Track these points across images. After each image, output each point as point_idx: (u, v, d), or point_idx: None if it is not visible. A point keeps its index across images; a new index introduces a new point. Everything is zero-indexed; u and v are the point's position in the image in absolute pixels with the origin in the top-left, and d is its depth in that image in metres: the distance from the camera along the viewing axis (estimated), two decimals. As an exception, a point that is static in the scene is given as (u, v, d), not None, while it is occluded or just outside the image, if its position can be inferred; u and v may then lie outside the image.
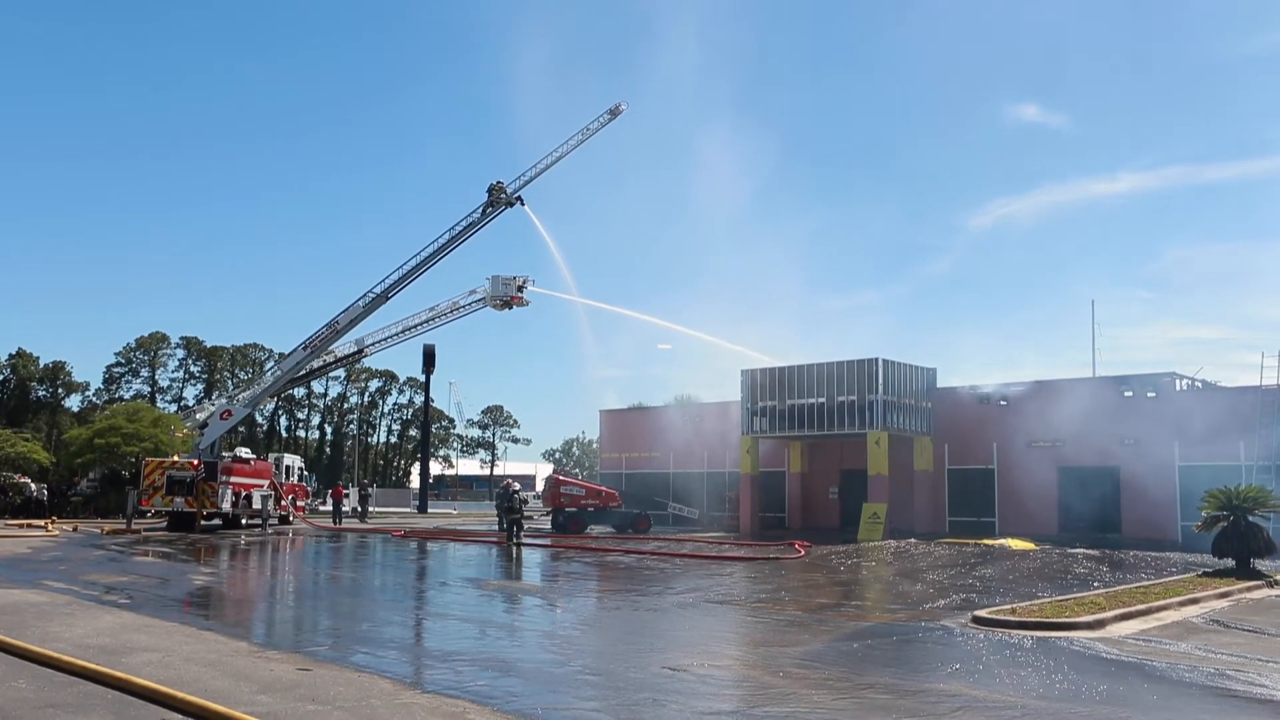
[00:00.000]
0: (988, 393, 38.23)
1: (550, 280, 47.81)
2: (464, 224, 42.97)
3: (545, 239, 46.45)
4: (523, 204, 43.51)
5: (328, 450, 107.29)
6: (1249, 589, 19.07)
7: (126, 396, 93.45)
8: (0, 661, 10.10)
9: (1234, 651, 12.17)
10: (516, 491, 31.66)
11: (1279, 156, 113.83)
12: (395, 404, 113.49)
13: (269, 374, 50.53)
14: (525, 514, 34.65)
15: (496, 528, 37.32)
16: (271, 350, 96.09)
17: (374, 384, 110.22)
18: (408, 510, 61.48)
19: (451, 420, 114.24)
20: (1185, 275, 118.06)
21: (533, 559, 27.50)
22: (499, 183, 42.86)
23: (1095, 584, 19.50)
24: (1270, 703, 9.46)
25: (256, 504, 37.44)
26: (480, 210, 42.96)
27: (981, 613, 14.46)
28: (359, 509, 47.62)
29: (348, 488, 51.43)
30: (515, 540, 29.78)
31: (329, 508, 46.96)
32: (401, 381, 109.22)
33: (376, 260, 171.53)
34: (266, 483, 38.89)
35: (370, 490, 51.18)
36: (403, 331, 44.79)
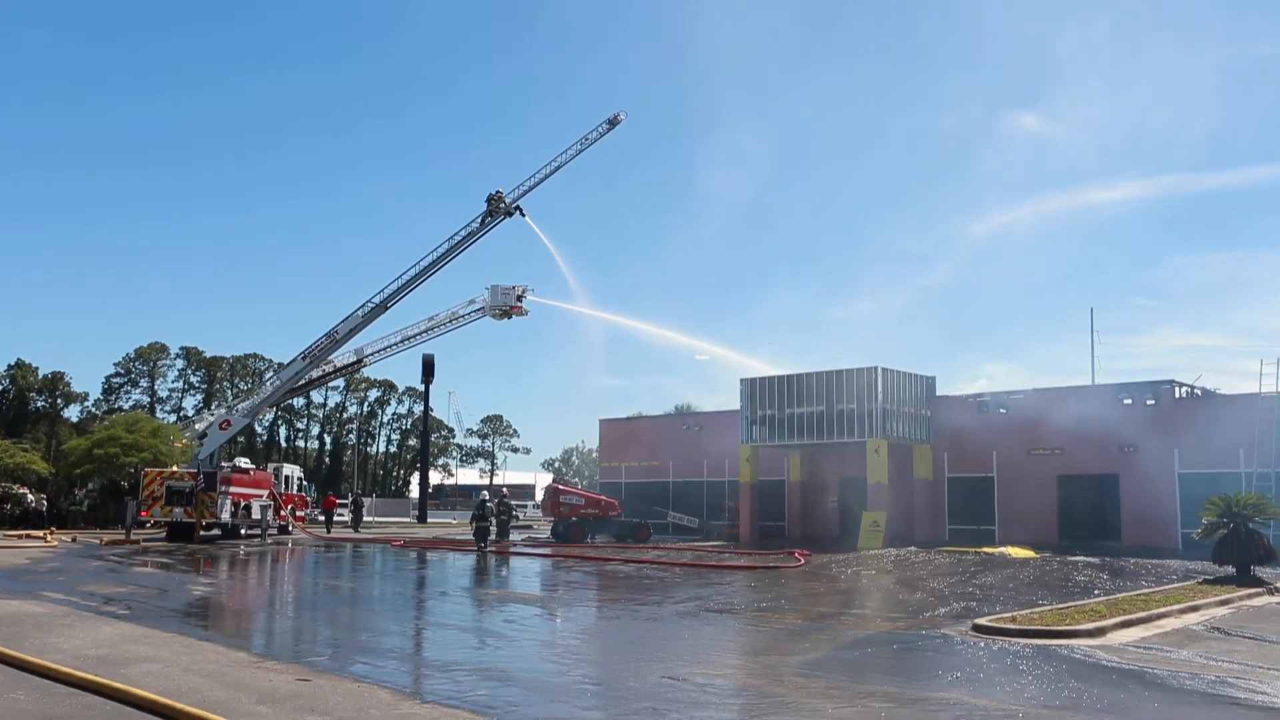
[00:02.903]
0: (987, 401, 38.24)
1: (553, 288, 47.81)
2: (463, 234, 42.89)
3: (548, 247, 46.26)
4: (522, 214, 43.40)
5: (327, 460, 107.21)
6: (1249, 596, 19.05)
7: (126, 407, 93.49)
8: (-1, 673, 10.08)
9: (1235, 659, 12.15)
10: (486, 501, 34.04)
11: (1278, 165, 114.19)
12: (394, 414, 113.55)
13: (268, 384, 50.42)
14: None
15: (494, 537, 37.42)
16: (271, 360, 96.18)
17: (373, 394, 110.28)
18: (407, 520, 61.41)
19: (451, 430, 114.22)
20: (1184, 283, 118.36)
21: (532, 568, 27.48)
22: (498, 192, 42.77)
23: (1096, 591, 19.48)
24: (1272, 710, 9.45)
25: (256, 514, 37.39)
26: (479, 220, 42.87)
27: (982, 621, 14.44)
28: (351, 519, 47.56)
29: (341, 498, 51.39)
30: (481, 546, 31.54)
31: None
32: (401, 391, 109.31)
33: (376, 269, 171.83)
34: (266, 493, 38.85)
35: (362, 501, 51.43)
36: (402, 341, 44.66)
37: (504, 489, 63.93)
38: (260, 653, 12.34)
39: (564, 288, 49.49)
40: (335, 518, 46.73)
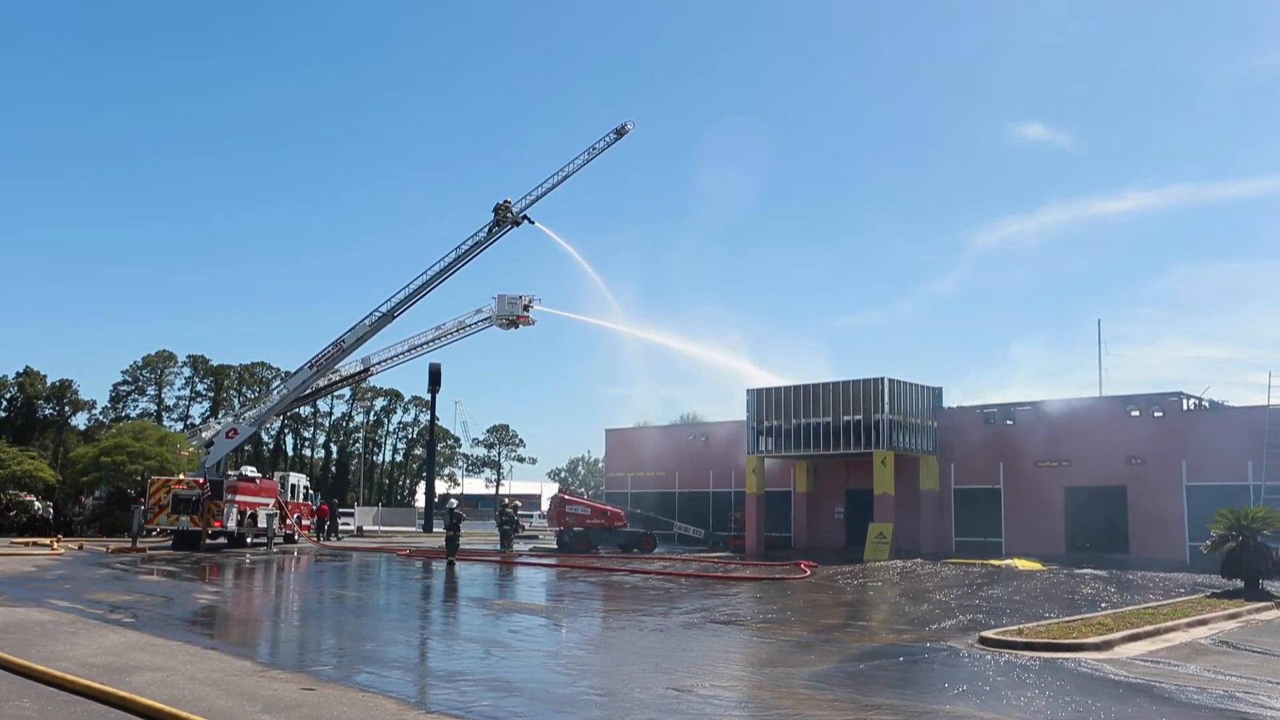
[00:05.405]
0: (994, 412, 38.12)
1: (560, 297, 47.50)
2: (470, 243, 42.93)
3: (566, 249, 45.95)
4: (531, 222, 43.42)
5: (333, 469, 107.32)
6: (1258, 610, 18.94)
7: (133, 415, 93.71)
8: (4, 681, 10.09)
9: (1243, 673, 12.08)
10: (455, 509, 34.08)
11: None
12: (400, 423, 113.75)
13: (275, 392, 50.45)
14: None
15: (500, 546, 37.40)
16: (278, 369, 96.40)
17: (379, 403, 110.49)
18: (413, 529, 61.40)
19: (457, 439, 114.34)
20: (1192, 293, 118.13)
21: (537, 578, 27.46)
22: (505, 201, 42.77)
23: (1103, 605, 19.39)
24: (1280, 725, 9.39)
25: (262, 523, 37.42)
26: (486, 229, 42.89)
27: (988, 634, 14.38)
28: (326, 526, 46.79)
29: (345, 508, 51.35)
30: (451, 557, 31.07)
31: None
32: (407, 400, 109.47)
33: (383, 276, 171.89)
34: (272, 501, 38.87)
35: (339, 509, 51.23)
36: (409, 350, 44.71)
37: (506, 498, 64.00)
38: (265, 661, 12.34)
39: (577, 294, 49.29)
40: (327, 526, 46.52)
